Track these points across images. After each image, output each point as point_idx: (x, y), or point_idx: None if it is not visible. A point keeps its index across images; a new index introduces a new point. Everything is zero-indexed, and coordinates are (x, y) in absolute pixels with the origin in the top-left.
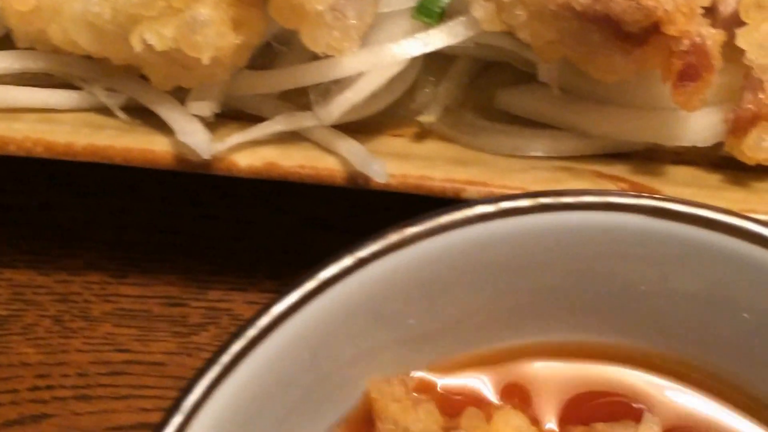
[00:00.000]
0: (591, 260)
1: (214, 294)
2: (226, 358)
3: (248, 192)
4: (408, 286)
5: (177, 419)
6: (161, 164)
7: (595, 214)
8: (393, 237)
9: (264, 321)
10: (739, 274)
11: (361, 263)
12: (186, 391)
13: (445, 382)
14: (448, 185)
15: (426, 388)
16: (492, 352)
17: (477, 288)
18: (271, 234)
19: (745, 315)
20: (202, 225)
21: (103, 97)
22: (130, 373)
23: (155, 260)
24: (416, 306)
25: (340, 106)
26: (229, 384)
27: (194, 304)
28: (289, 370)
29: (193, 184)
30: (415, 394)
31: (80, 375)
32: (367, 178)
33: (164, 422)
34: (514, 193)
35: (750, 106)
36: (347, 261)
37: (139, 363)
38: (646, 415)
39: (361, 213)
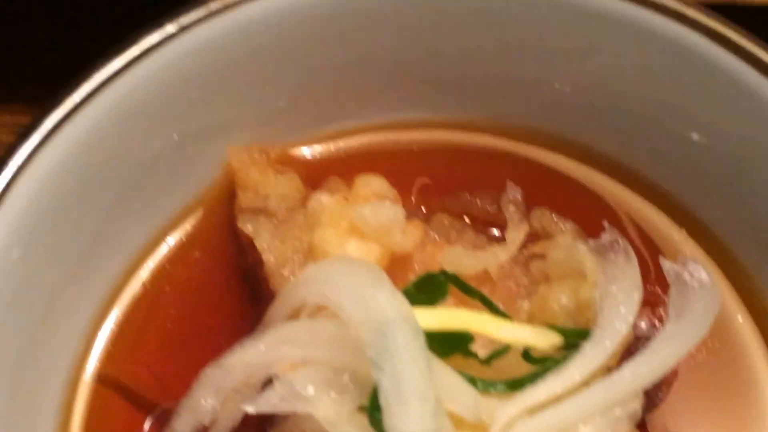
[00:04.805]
0: (426, 22)
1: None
2: (47, 124)
3: None
4: (239, 56)
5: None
6: None
7: None
8: (216, 2)
9: (86, 88)
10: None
11: (184, 29)
12: (9, 152)
13: (307, 153)
14: None
15: (288, 160)
16: (350, 128)
17: (314, 60)
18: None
19: (589, 72)
20: None
21: None
22: None
23: None
24: (252, 78)
25: None
26: (51, 150)
27: None
28: (125, 138)
29: None
30: (279, 166)
31: None
32: None
33: None
34: None
35: None
36: (170, 28)
37: None
38: (509, 184)
39: None
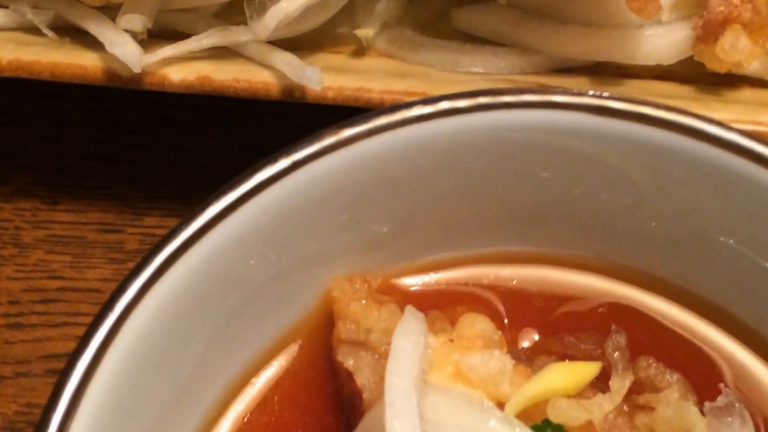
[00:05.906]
0: (533, 162)
1: (150, 221)
2: (159, 259)
3: (182, 120)
4: (347, 188)
5: (110, 319)
6: (90, 79)
7: (535, 112)
8: (329, 138)
9: (198, 222)
10: (681, 170)
11: (297, 165)
12: (119, 290)
13: (408, 284)
14: (386, 96)
15: (388, 290)
16: (451, 259)
17: (419, 192)
18: (206, 161)
19: (684, 212)
20: (136, 153)
21: (30, 15)
22: (65, 301)
23: (89, 187)
24: (358, 208)
25: (274, 16)
26: (162, 285)
27: (130, 230)
28: (233, 270)
29: (126, 113)
30: (379, 296)
31: (12, 303)
32: (302, 90)
33: (95, 324)
34: (452, 93)
35: (721, 8)
36: (283, 163)
37: (74, 290)
38: (614, 327)
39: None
